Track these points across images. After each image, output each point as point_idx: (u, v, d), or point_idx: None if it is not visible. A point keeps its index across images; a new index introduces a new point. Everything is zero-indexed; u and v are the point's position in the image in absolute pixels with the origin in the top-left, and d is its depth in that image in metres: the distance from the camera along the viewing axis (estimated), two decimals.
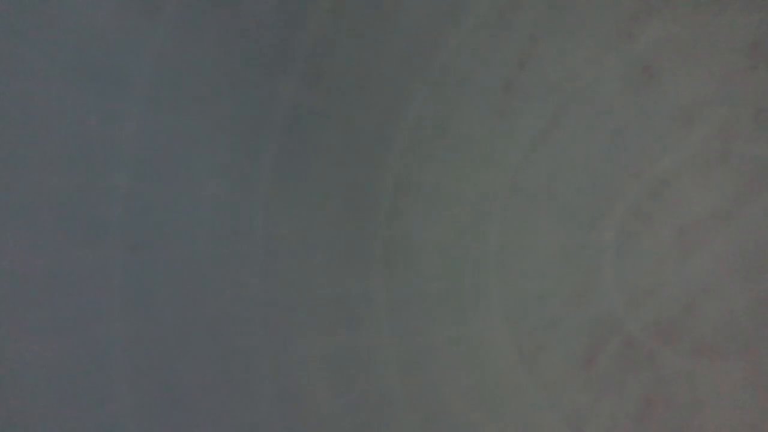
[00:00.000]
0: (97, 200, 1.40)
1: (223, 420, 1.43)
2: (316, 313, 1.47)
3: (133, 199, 1.42)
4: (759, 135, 1.48)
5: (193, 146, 1.44)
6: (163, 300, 1.43)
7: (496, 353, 1.48)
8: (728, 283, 1.47)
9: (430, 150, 1.49)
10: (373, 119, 1.49)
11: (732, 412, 1.45)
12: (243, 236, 1.45)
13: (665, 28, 1.48)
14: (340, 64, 1.49)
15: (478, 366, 1.47)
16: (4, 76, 1.37)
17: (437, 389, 1.47)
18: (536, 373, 1.47)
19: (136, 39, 1.42)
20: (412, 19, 1.48)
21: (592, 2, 1.47)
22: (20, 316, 1.37)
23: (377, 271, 1.48)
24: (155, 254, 1.42)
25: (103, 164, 1.41)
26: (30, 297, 1.37)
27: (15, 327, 1.36)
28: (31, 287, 1.37)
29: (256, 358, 1.45)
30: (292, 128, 1.48)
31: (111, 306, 1.41)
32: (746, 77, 1.48)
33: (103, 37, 1.41)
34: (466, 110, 1.50)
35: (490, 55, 1.50)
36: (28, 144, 1.38)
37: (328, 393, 1.46)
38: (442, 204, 1.49)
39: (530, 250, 1.48)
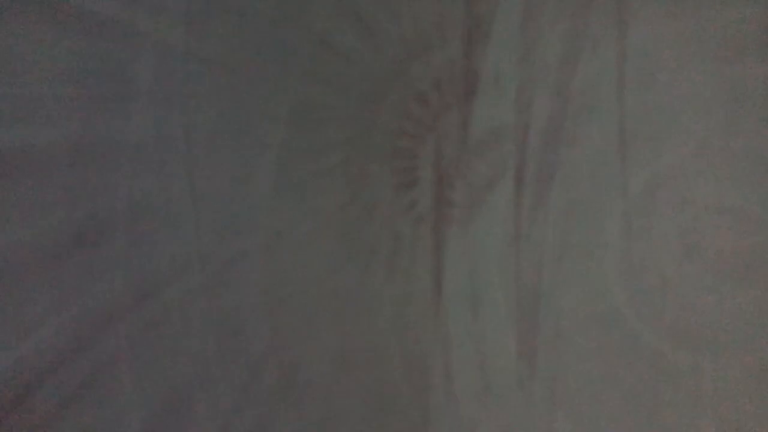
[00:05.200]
0: (98, 198, 1.42)
1: (226, 417, 1.44)
2: (319, 309, 1.47)
3: (134, 196, 1.43)
4: (762, 131, 1.47)
5: (195, 143, 1.45)
6: (165, 298, 1.44)
7: (500, 350, 1.48)
8: (731, 279, 1.46)
9: None
10: (375, 116, 1.49)
11: (734, 408, 1.44)
12: (245, 233, 1.46)
13: (665, 23, 1.48)
14: (342, 62, 1.49)
15: (481, 362, 1.48)
16: (7, 76, 1.38)
17: (440, 385, 1.47)
18: (539, 370, 1.47)
19: (139, 38, 1.43)
20: (413, 17, 1.49)
21: None
22: (21, 315, 1.38)
23: (380, 268, 1.49)
24: (157, 252, 1.44)
25: (104, 162, 1.42)
26: (31, 296, 1.39)
27: (17, 326, 1.38)
28: (32, 286, 1.39)
29: (260, 354, 1.46)
30: (294, 125, 1.48)
31: (113, 304, 1.42)
32: (749, 71, 1.47)
33: (106, 37, 1.42)
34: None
35: (488, 48, 1.50)
36: (29, 142, 1.39)
37: (332, 389, 1.47)
38: None
39: (532, 247, 1.48)
